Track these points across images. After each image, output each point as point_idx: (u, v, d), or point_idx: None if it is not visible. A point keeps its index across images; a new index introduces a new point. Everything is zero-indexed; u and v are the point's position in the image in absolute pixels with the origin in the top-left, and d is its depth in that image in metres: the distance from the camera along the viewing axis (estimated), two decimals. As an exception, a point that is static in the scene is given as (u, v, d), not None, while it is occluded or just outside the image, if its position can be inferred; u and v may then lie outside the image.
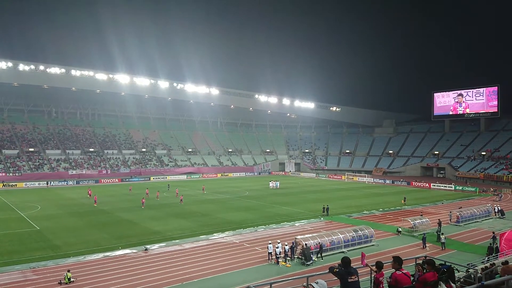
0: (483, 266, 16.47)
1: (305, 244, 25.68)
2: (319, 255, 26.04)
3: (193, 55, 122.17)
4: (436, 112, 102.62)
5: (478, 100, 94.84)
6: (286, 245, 25.70)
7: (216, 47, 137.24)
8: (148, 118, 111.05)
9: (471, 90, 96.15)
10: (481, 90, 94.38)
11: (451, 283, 8.11)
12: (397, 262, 7.75)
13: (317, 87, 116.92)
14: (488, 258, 23.05)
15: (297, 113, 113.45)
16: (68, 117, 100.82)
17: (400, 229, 32.83)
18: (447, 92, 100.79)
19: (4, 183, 67.74)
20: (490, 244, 26.96)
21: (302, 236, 27.70)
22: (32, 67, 73.43)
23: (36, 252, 27.11)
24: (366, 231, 29.64)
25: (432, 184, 72.00)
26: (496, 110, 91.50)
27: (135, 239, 30.65)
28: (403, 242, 30.20)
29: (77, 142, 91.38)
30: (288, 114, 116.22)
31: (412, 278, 8.25)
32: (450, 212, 39.36)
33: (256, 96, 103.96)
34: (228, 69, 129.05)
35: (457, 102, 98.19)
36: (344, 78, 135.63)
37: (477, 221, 38.08)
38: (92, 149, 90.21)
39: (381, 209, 46.02)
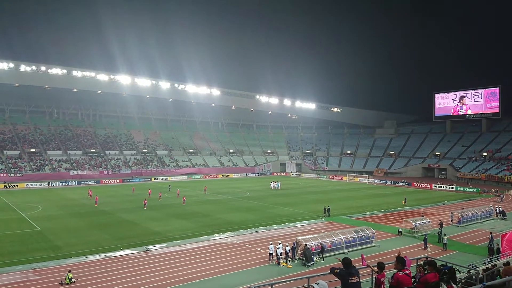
0: (484, 267, 16.44)
1: (306, 244, 25.65)
2: (320, 256, 26.03)
3: (194, 56, 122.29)
4: (437, 113, 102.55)
5: (478, 102, 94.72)
6: (287, 246, 25.68)
7: (217, 48, 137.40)
8: (149, 119, 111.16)
9: (472, 91, 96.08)
10: (479, 91, 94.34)
11: (452, 284, 8.09)
12: (400, 262, 7.75)
13: (318, 88, 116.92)
14: (490, 259, 23.00)
15: (298, 113, 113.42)
16: (70, 117, 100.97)
17: (401, 230, 32.80)
18: (448, 93, 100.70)
19: (6, 184, 67.85)
20: (490, 245, 26.93)
21: (303, 237, 27.68)
22: (34, 68, 73.55)
23: (37, 252, 27.14)
24: (367, 232, 29.60)
25: (433, 185, 71.92)
26: (497, 111, 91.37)
27: (136, 239, 30.66)
28: (404, 243, 30.15)
29: (78, 142, 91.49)
30: (289, 115, 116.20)
31: (413, 279, 8.24)
32: (452, 213, 39.30)
33: (257, 96, 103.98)
34: (229, 69, 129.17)
35: (458, 103, 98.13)
36: (345, 79, 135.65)
37: (479, 222, 38.00)
38: (93, 150, 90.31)
39: (382, 210, 45.98)
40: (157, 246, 28.67)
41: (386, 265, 8.38)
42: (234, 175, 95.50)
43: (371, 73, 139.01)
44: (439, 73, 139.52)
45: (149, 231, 33.84)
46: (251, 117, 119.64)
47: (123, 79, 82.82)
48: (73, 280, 21.17)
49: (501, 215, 40.74)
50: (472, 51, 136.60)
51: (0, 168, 74.84)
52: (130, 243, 29.45)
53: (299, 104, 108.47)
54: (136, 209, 44.87)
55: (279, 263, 24.78)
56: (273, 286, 8.29)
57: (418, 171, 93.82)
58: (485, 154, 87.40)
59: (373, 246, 29.00)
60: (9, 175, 72.93)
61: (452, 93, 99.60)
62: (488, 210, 40.83)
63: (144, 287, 20.86)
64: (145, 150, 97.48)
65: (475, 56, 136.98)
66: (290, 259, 25.30)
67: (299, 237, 27.59)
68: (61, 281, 21.16)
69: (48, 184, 70.91)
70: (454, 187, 68.48)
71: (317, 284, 7.05)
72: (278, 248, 25.15)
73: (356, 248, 28.02)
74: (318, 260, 25.63)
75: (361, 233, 29.28)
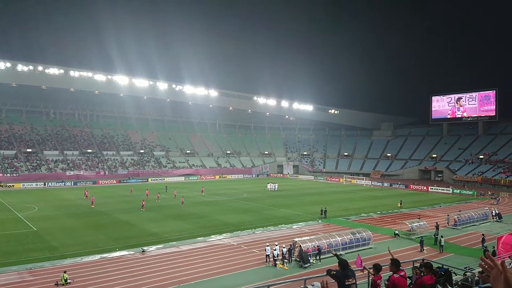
0: (480, 269, 16.48)
1: (301, 246, 25.66)
2: (317, 258, 26.04)
3: (192, 57, 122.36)
4: (434, 115, 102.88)
5: (474, 105, 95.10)
6: (284, 248, 25.68)
7: (214, 49, 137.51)
8: (147, 120, 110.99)
9: (468, 94, 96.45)
10: (475, 94, 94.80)
11: (448, 286, 8.11)
12: (395, 265, 7.76)
13: (315, 90, 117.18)
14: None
15: (295, 115, 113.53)
16: (66, 118, 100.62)
17: (397, 232, 32.85)
18: (445, 96, 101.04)
19: (2, 184, 67.51)
20: (486, 247, 27.04)
21: (300, 239, 27.68)
22: (31, 67, 73.30)
23: (33, 253, 27.02)
24: (364, 234, 29.65)
25: (430, 187, 72.10)
26: (494, 114, 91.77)
27: (133, 240, 30.57)
28: (400, 245, 30.18)
29: (75, 143, 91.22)
30: (287, 116, 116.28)
31: (409, 281, 8.26)
32: (448, 215, 39.41)
33: (255, 98, 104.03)
34: (226, 71, 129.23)
35: (455, 105, 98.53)
36: (343, 81, 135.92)
37: (475, 225, 38.13)
38: (90, 150, 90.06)
39: (379, 212, 46.06)
40: (153, 247, 28.59)
41: (382, 267, 8.39)
42: (231, 176, 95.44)
43: (369, 75, 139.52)
44: (437, 77, 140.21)
45: (146, 232, 33.75)
46: (249, 118, 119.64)
47: (121, 79, 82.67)
48: (68, 280, 21.09)
49: (497, 218, 40.88)
50: (470, 54, 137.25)
51: (-4, 168, 74.54)
52: (126, 244, 29.36)
53: (296, 105, 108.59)
54: (133, 210, 44.74)
55: (275, 264, 24.78)
56: (270, 287, 8.29)
57: (414, 173, 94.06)
58: (481, 156, 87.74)
59: (370, 248, 29.03)
60: (5, 175, 72.58)
61: (447, 96, 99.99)
62: (484, 212, 40.97)
63: (140, 288, 20.80)
64: (142, 151, 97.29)
65: (474, 59, 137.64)
66: (286, 260, 25.28)
67: (296, 239, 27.59)
68: (57, 281, 21.07)
69: (44, 184, 70.64)
70: (451, 189, 68.68)
71: (313, 285, 7.06)
72: (275, 250, 25.15)
73: (353, 250, 28.05)
74: (314, 262, 25.64)
75: (357, 235, 29.32)
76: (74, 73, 77.63)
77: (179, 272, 23.40)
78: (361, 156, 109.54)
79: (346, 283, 7.27)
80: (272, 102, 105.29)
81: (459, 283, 10.08)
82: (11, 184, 68.52)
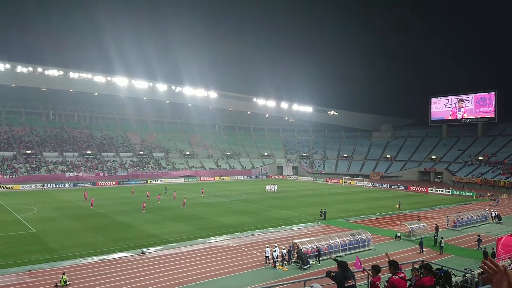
0: (480, 270, 16.48)
1: (301, 248, 25.63)
2: (316, 259, 26.01)
3: (191, 58, 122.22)
4: (433, 117, 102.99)
5: (473, 106, 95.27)
6: (284, 249, 25.65)
7: (214, 50, 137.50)
8: (146, 121, 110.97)
9: (468, 96, 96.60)
10: (474, 96, 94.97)
11: (448, 287, 8.11)
12: (393, 266, 7.76)
13: (315, 91, 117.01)
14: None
15: (295, 116, 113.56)
16: (66, 119, 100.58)
17: (399, 234, 32.79)
18: (444, 97, 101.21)
19: (1, 185, 67.43)
20: (485, 248, 27.04)
21: (299, 240, 27.66)
22: (30, 69, 73.26)
23: (32, 254, 26.98)
24: (364, 235, 29.63)
25: (429, 188, 72.11)
26: (493, 115, 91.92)
27: (132, 242, 30.53)
28: (400, 247, 30.20)
29: (74, 144, 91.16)
30: (286, 118, 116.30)
31: (409, 283, 8.25)
32: (447, 216, 39.41)
33: (254, 99, 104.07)
34: (226, 72, 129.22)
35: (453, 107, 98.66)
36: (342, 82, 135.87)
37: (474, 226, 38.13)
38: (89, 152, 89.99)
39: (378, 214, 46.04)
40: (152, 249, 28.55)
41: (382, 269, 8.39)
42: (230, 178, 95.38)
43: (368, 76, 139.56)
44: (437, 78, 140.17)
45: (145, 233, 33.72)
46: (248, 119, 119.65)
47: (120, 81, 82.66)
48: (68, 282, 21.06)
49: (497, 219, 40.90)
50: (470, 55, 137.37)
51: (-5, 169, 74.46)
52: (125, 246, 29.33)
53: (296, 107, 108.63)
54: (133, 212, 44.69)
55: (275, 266, 24.75)
56: (269, 289, 8.28)
57: (414, 175, 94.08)
58: (481, 158, 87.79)
59: (369, 249, 29.01)
60: (4, 176, 72.50)
61: (447, 98, 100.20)
62: (483, 214, 40.98)
63: (140, 290, 20.77)
64: (141, 152, 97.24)
65: (473, 60, 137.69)
66: (286, 262, 25.26)
67: (296, 240, 27.57)
68: (56, 283, 21.03)
69: (43, 186, 70.56)
70: (450, 191, 68.69)
71: (311, 287, 7.06)
72: (275, 251, 25.13)
73: (353, 251, 28.02)
74: (314, 263, 25.62)
75: (357, 236, 29.30)
76: (73, 75, 77.62)
77: (179, 273, 23.37)
78: (361, 157, 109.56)
79: (346, 284, 7.27)
80: (271, 103, 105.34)
81: (459, 284, 10.08)
82: (10, 186, 68.42)
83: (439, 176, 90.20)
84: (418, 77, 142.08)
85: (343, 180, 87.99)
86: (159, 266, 24.76)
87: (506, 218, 42.78)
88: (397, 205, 50.65)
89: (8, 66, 70.75)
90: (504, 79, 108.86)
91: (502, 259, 22.86)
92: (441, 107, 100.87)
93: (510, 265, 18.16)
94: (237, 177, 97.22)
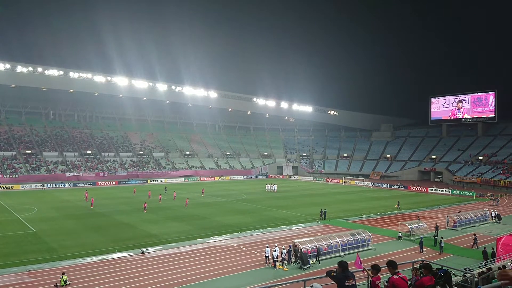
0: (480, 270, 16.50)
1: (300, 248, 25.62)
2: (317, 259, 26.01)
3: (191, 58, 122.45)
4: (433, 116, 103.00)
5: (473, 106, 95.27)
6: (284, 249, 25.65)
7: (214, 50, 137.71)
8: (146, 121, 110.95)
9: (468, 95, 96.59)
10: (473, 96, 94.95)
11: (448, 287, 8.11)
12: (391, 266, 7.74)
13: (315, 91, 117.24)
14: (486, 262, 23.07)
15: (295, 116, 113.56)
16: (66, 119, 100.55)
17: (401, 234, 32.72)
18: (444, 97, 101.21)
19: (1, 185, 67.43)
20: (484, 248, 27.05)
21: (299, 240, 27.66)
22: (30, 69, 73.29)
23: (32, 254, 26.98)
24: (364, 235, 29.62)
25: (429, 188, 72.13)
26: (493, 115, 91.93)
27: (132, 242, 30.54)
28: (400, 246, 30.20)
29: (74, 144, 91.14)
30: (286, 118, 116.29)
31: (409, 283, 8.25)
32: (447, 216, 39.42)
33: (254, 99, 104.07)
34: (226, 72, 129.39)
35: (456, 107, 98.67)
36: (342, 82, 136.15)
37: (474, 226, 38.13)
38: (89, 152, 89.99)
39: (378, 213, 46.05)
40: (153, 249, 28.55)
41: (381, 268, 8.38)
42: (230, 178, 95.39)
43: (368, 76, 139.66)
44: (436, 77, 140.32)
45: (145, 233, 33.72)
46: (248, 119, 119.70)
47: (120, 80, 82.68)
48: (68, 282, 21.06)
49: (497, 219, 40.90)
50: (469, 55, 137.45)
51: (-5, 169, 74.46)
52: (125, 246, 29.34)
53: (296, 107, 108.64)
54: (133, 211, 44.69)
55: (275, 266, 24.74)
56: (269, 289, 8.28)
57: (414, 175, 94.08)
58: (481, 158, 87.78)
59: (369, 249, 29.01)
60: (4, 176, 72.49)
61: (447, 98, 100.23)
62: (483, 213, 40.97)
63: (140, 290, 20.77)
64: (141, 152, 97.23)
65: (473, 60, 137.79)
66: (286, 262, 25.25)
67: (296, 240, 27.57)
68: (56, 283, 21.03)
69: (43, 186, 70.54)
70: (450, 190, 68.69)
71: (311, 287, 7.05)
72: (275, 251, 25.12)
73: (353, 251, 27.99)
74: (314, 263, 25.62)
75: (357, 236, 29.29)
76: (73, 74, 77.65)
77: (179, 273, 23.37)
78: (361, 157, 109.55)
79: (346, 284, 7.26)
80: (271, 103, 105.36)
81: (459, 284, 10.08)
82: (10, 186, 68.42)
83: (439, 176, 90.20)
84: (418, 77, 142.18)
85: (343, 180, 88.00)
86: (159, 266, 24.76)
87: (506, 217, 42.78)
88: (396, 205, 50.58)
89: (8, 66, 70.79)
90: (503, 79, 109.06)
91: (502, 259, 22.88)
92: (441, 107, 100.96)
93: (511, 265, 18.20)
94: (237, 177, 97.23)
